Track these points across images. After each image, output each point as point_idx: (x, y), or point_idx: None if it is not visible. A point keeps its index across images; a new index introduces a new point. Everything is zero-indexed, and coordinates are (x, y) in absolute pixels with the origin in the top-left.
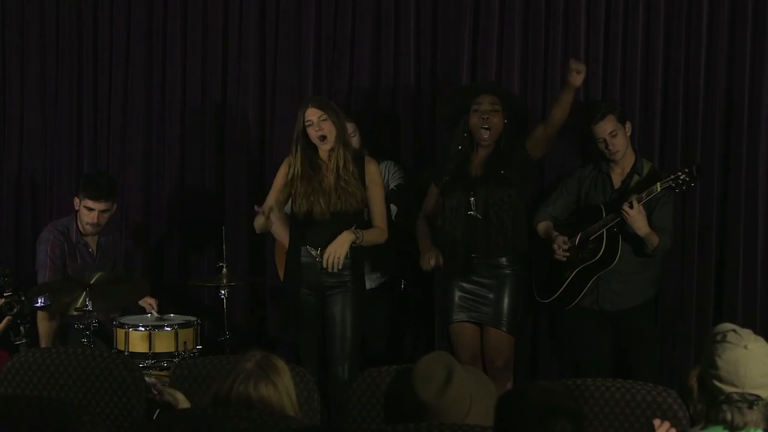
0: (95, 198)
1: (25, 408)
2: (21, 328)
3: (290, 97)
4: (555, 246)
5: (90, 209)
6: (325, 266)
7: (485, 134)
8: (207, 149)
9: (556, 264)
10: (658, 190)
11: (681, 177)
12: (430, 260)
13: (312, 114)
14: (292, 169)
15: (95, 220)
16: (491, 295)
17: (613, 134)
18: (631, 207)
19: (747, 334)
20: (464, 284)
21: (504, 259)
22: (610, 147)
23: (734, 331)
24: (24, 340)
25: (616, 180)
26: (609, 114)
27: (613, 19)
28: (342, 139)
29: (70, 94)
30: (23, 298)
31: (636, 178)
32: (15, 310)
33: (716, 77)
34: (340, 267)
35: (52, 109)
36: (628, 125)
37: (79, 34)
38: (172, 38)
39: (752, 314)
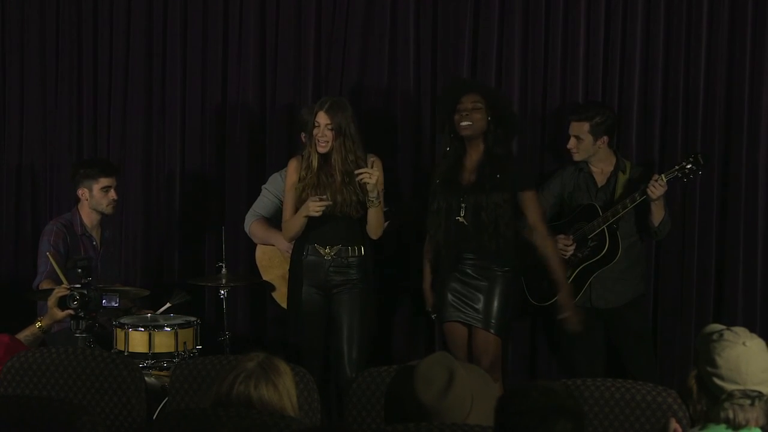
0: (110, 173)
1: (25, 408)
2: (81, 321)
3: (290, 96)
4: (559, 246)
5: (107, 188)
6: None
7: (464, 125)
8: (207, 148)
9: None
10: (664, 180)
11: (687, 166)
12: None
13: (321, 118)
14: (304, 162)
15: (115, 197)
16: (481, 297)
17: (578, 138)
18: (606, 221)
19: (742, 331)
20: (455, 284)
21: (496, 262)
22: (569, 145)
23: (729, 329)
24: (83, 335)
25: (599, 179)
26: (585, 122)
27: (613, 19)
28: (342, 149)
29: (69, 93)
30: (89, 293)
31: (621, 175)
32: (76, 302)
33: (716, 77)
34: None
35: (52, 109)
36: (604, 138)
37: (79, 34)
38: (172, 38)
39: (752, 314)
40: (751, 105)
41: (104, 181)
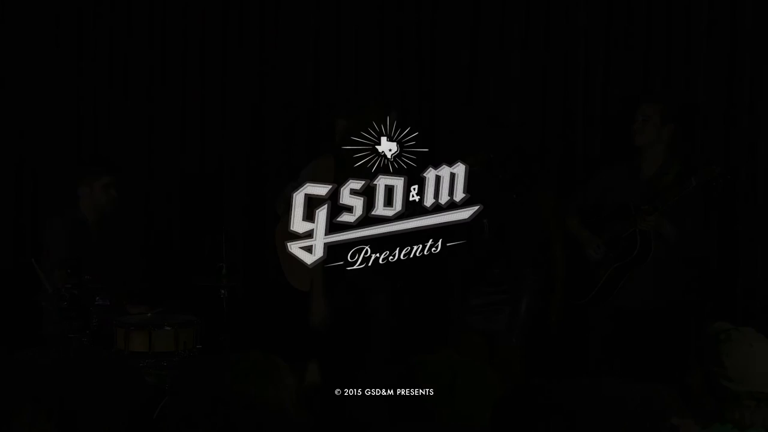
0: (112, 172)
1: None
2: (73, 322)
3: (290, 96)
4: (590, 251)
5: (108, 186)
6: None
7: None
8: (207, 148)
9: (587, 264)
10: (693, 184)
11: (718, 178)
12: None
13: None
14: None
15: (115, 195)
16: (506, 305)
17: (645, 120)
18: (650, 214)
19: (749, 331)
20: (478, 296)
21: (527, 266)
22: (636, 128)
23: (736, 329)
24: (75, 335)
25: (647, 172)
26: (659, 104)
27: (614, 18)
28: None
29: (69, 93)
30: (79, 293)
31: (666, 176)
32: (65, 302)
33: (716, 77)
34: None
35: (52, 108)
36: (670, 127)
37: (80, 33)
38: (173, 38)
39: (752, 314)
40: (752, 105)
41: (105, 179)
